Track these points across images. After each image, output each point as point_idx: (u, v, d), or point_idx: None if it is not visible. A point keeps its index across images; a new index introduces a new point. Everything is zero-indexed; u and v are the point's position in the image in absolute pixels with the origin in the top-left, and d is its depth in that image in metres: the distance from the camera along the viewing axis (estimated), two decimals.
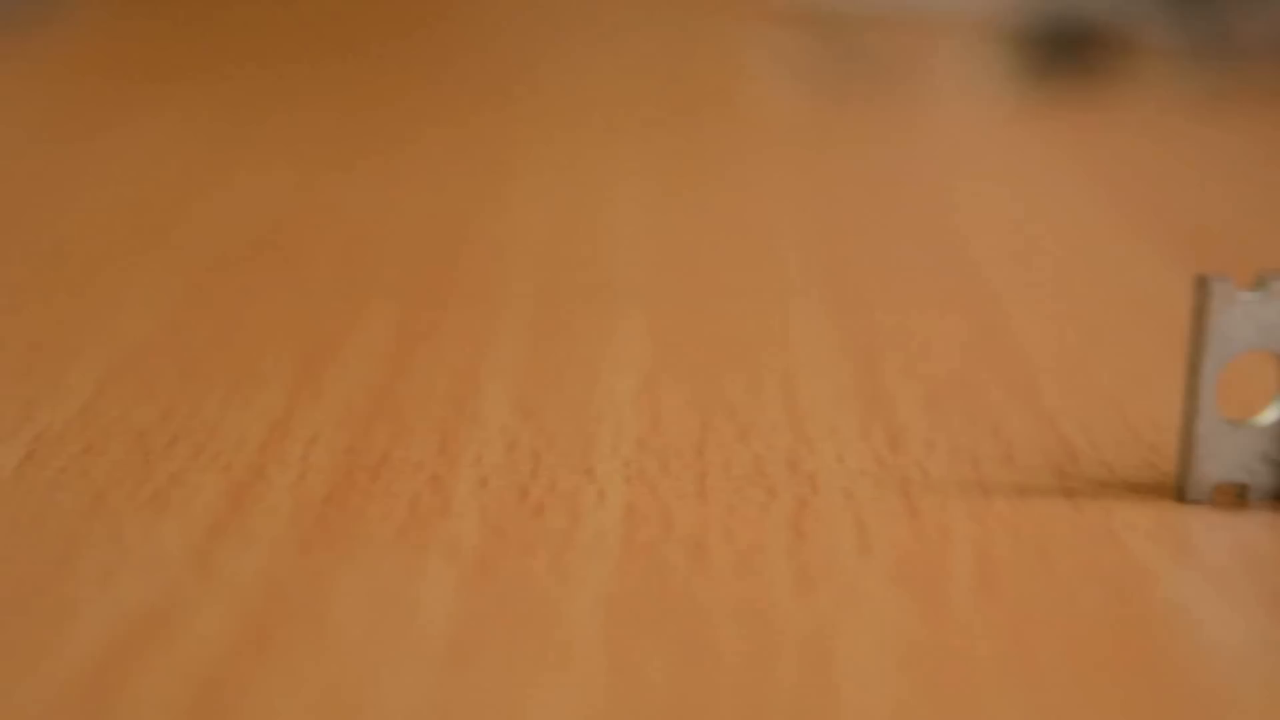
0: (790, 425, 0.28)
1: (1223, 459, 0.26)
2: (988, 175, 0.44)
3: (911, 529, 0.25)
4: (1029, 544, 0.24)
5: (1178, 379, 0.31)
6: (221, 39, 0.61)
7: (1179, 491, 0.26)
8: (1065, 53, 0.58)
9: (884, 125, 0.50)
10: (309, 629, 0.21)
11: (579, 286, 0.35)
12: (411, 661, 0.21)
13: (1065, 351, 0.32)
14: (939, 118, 0.51)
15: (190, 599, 0.22)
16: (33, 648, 0.20)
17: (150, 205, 0.39)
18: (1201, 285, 0.25)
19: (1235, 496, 0.26)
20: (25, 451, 0.26)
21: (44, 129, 0.46)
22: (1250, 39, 0.60)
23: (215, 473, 0.26)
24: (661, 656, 0.21)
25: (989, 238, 0.39)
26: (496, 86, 0.53)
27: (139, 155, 0.44)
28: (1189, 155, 0.47)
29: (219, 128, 0.47)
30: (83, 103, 0.50)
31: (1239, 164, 0.46)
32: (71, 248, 0.36)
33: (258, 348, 0.31)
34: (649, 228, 0.39)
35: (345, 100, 0.51)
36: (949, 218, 0.40)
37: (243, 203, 0.40)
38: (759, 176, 0.44)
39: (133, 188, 0.41)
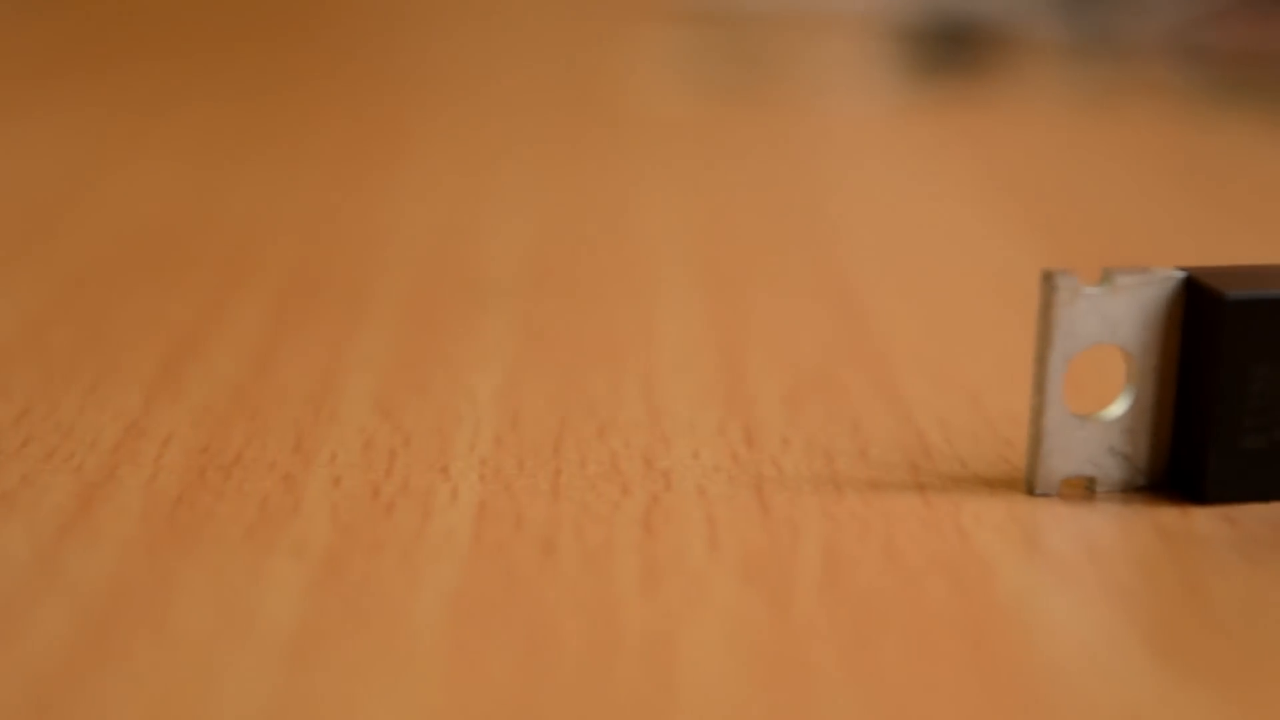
0: (649, 422, 0.28)
1: (1070, 453, 0.26)
2: (870, 172, 0.44)
3: (762, 525, 0.25)
4: (877, 539, 0.24)
5: None
6: (108, 35, 0.60)
7: (1028, 485, 0.26)
8: (951, 50, 0.59)
9: (769, 122, 0.50)
10: (150, 629, 0.21)
11: (449, 283, 0.35)
12: (252, 661, 0.21)
13: (929, 348, 0.32)
14: (824, 115, 0.51)
15: (33, 600, 0.22)
16: None
17: (30, 205, 0.39)
18: (1047, 280, 0.25)
19: (1083, 489, 0.26)
20: None
21: None
22: (1135, 36, 0.61)
23: (67, 474, 0.26)
24: (503, 654, 0.21)
25: (865, 234, 0.39)
26: (385, 83, 0.53)
27: (22, 154, 0.43)
28: (1073, 151, 0.47)
29: (103, 126, 0.47)
30: None
31: (1122, 160, 0.46)
32: None
33: (122, 347, 0.31)
34: (525, 225, 0.39)
35: (233, 97, 0.51)
36: (827, 214, 0.40)
37: (122, 201, 0.39)
38: (641, 174, 0.44)
39: (13, 187, 0.40)
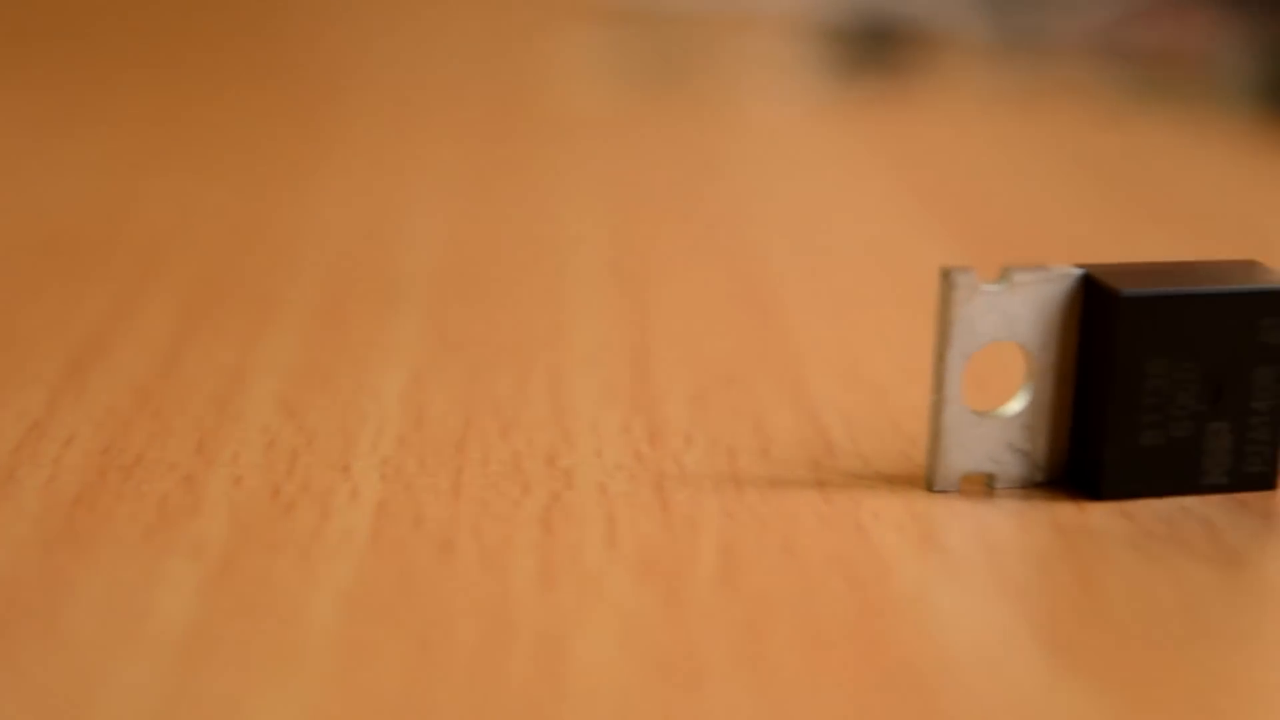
0: (554, 421, 0.28)
1: (969, 450, 0.26)
2: (790, 171, 0.45)
3: (661, 522, 0.25)
4: (775, 536, 0.24)
5: None
6: (21, 38, 0.60)
7: (928, 482, 0.26)
8: (874, 49, 0.59)
9: (690, 121, 0.50)
10: (40, 631, 0.21)
11: (361, 285, 0.35)
12: (142, 662, 0.21)
13: (838, 346, 0.32)
14: (746, 113, 0.51)
15: None
16: None
17: None
18: (945, 278, 0.25)
19: (983, 486, 0.26)
20: None
21: None
22: (1058, 36, 0.61)
23: None
24: (396, 653, 0.21)
25: (781, 233, 0.39)
26: (305, 85, 0.53)
27: None
28: (992, 151, 0.47)
29: (15, 129, 0.47)
30: None
31: (1040, 159, 0.46)
32: None
33: (28, 349, 0.31)
34: (440, 225, 0.39)
35: (150, 102, 0.51)
36: (744, 214, 0.40)
37: (35, 205, 0.39)
38: (559, 173, 0.44)
39: None
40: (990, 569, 0.24)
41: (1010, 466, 0.26)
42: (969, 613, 0.22)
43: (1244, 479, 0.26)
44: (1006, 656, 0.21)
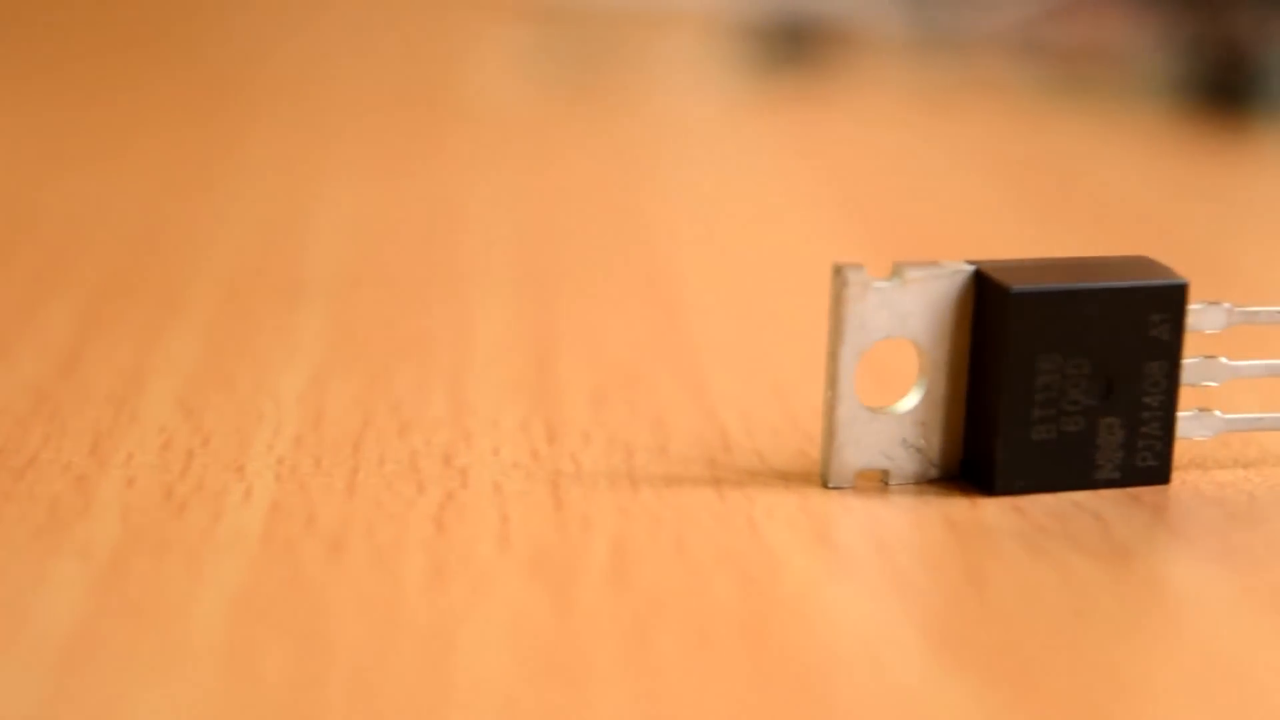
0: (453, 420, 0.28)
1: (863, 446, 0.26)
2: (703, 169, 0.45)
3: (554, 521, 0.25)
4: (667, 534, 0.25)
5: None
6: None
7: (823, 479, 0.26)
8: (792, 46, 0.59)
9: (606, 119, 0.50)
10: None
11: (266, 284, 0.35)
12: (23, 666, 0.21)
13: (741, 344, 0.32)
14: (663, 111, 0.51)
15: None
16: None
17: None
18: (837, 274, 0.25)
19: (878, 482, 0.26)
20: None
21: None
22: (978, 33, 0.61)
23: None
24: (281, 653, 0.21)
25: (692, 231, 0.39)
26: (217, 81, 0.53)
27: None
28: (909, 149, 0.47)
29: None
30: None
31: (957, 157, 0.47)
32: None
33: None
34: (350, 224, 0.39)
35: (54, 100, 0.50)
36: (656, 211, 0.41)
37: None
38: (472, 171, 0.44)
39: None
40: (880, 565, 0.24)
41: (904, 463, 0.26)
42: (857, 609, 0.23)
43: (1137, 473, 0.26)
44: (892, 652, 0.21)
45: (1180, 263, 0.37)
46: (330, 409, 0.29)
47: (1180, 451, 0.28)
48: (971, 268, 0.26)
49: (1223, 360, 0.27)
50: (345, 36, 0.62)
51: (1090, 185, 0.44)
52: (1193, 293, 0.35)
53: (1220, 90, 0.52)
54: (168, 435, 0.27)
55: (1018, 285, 0.25)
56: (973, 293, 0.26)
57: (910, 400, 0.26)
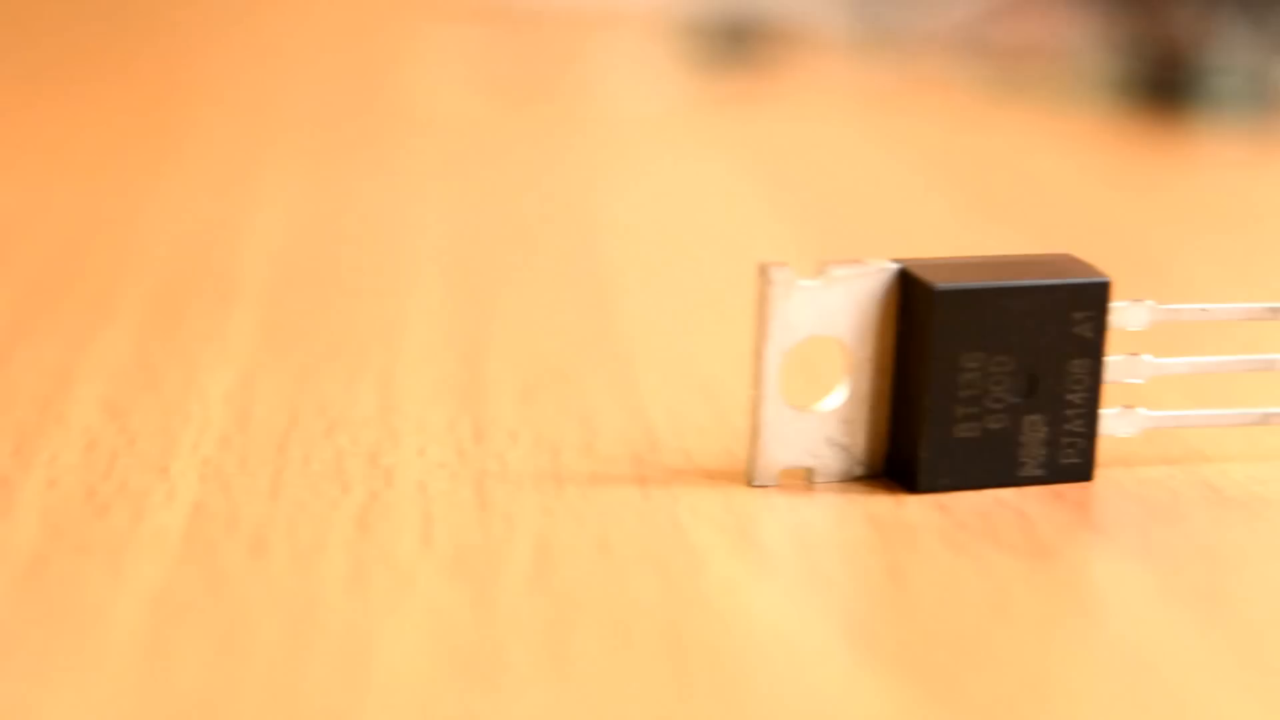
0: (380, 419, 0.28)
1: (788, 444, 0.26)
2: (644, 168, 0.45)
3: (478, 520, 0.25)
4: (590, 533, 0.24)
5: None
6: None
7: (748, 477, 0.26)
8: (736, 46, 0.59)
9: (548, 119, 0.50)
10: None
11: (198, 283, 0.34)
12: None
13: (673, 342, 0.32)
14: (605, 111, 0.51)
15: None
16: None
17: None
18: (762, 274, 0.25)
19: (803, 480, 0.26)
20: None
21: None
22: (921, 32, 0.62)
23: None
24: (197, 654, 0.21)
25: (629, 231, 0.39)
26: (158, 82, 0.53)
27: None
28: (852, 148, 0.47)
29: None
30: None
31: (900, 157, 0.47)
32: None
33: None
34: (284, 224, 0.39)
35: (1, 97, 0.50)
36: (594, 211, 0.41)
37: None
38: (411, 172, 0.44)
39: None
40: (802, 563, 0.24)
41: (829, 461, 0.26)
42: (777, 607, 0.23)
43: (1060, 471, 0.26)
44: (811, 650, 0.21)
45: (1117, 261, 0.38)
46: (258, 409, 0.29)
47: (1105, 449, 0.28)
48: (896, 266, 0.26)
49: (1146, 358, 0.27)
50: (286, 36, 0.62)
51: (1030, 184, 0.44)
52: (1127, 291, 0.35)
53: (1158, 89, 0.53)
54: (92, 436, 0.27)
55: (942, 283, 0.25)
56: (898, 291, 0.26)
57: (835, 399, 0.26)
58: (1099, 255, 0.38)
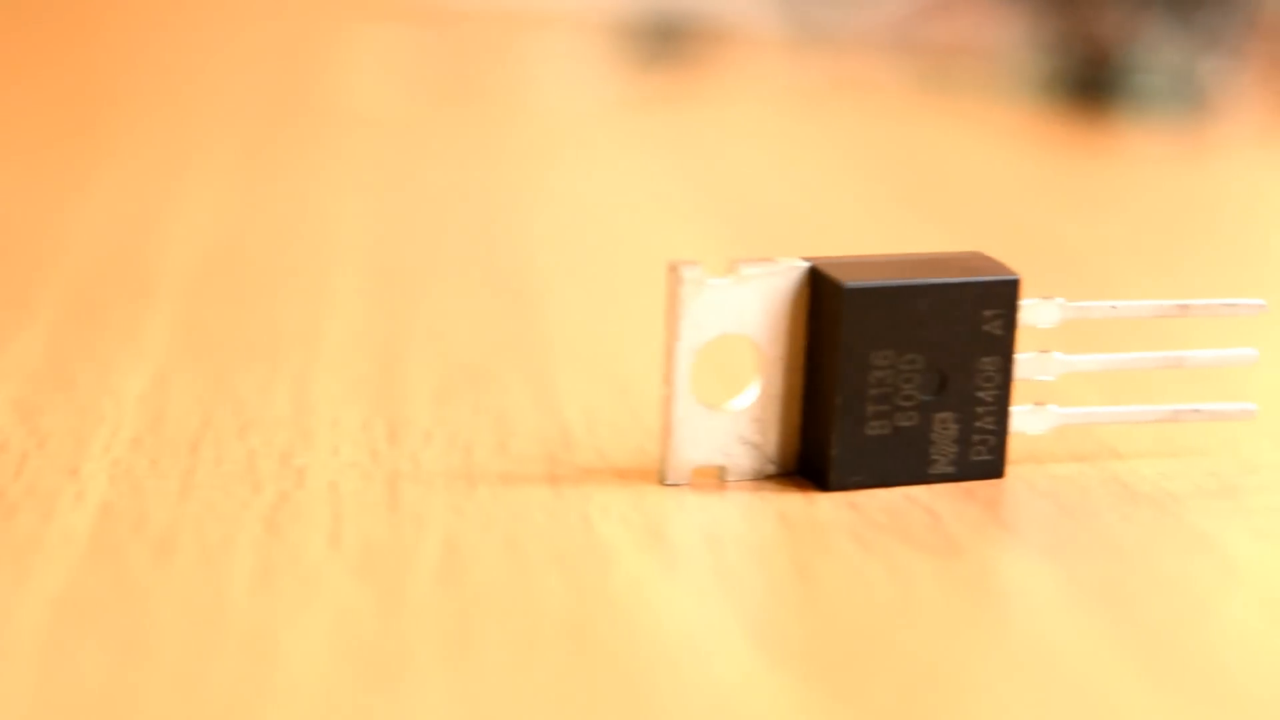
0: (294, 420, 0.28)
1: (700, 443, 0.26)
2: (571, 168, 0.45)
3: (387, 520, 0.25)
4: (500, 532, 0.24)
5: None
6: None
7: (660, 476, 0.26)
8: (666, 44, 0.59)
9: (478, 119, 0.50)
10: None
11: (118, 284, 0.34)
12: None
13: (592, 341, 0.32)
14: (534, 111, 0.51)
15: None
16: None
17: None
18: (672, 272, 0.25)
19: (715, 479, 0.26)
20: None
21: None
22: (852, 31, 0.62)
23: None
24: (101, 655, 0.21)
25: (553, 229, 0.39)
26: (83, 80, 0.53)
27: None
28: (780, 147, 0.47)
29: None
30: None
31: (828, 155, 0.47)
32: None
33: None
34: (208, 224, 0.39)
35: None
36: (520, 209, 0.40)
37: None
38: (337, 171, 0.44)
39: None
40: (711, 561, 0.24)
41: (741, 459, 0.26)
42: (684, 606, 0.23)
43: (972, 468, 0.27)
44: (716, 649, 0.22)
45: (1039, 258, 0.38)
46: (171, 410, 0.28)
47: (1017, 446, 0.28)
48: (807, 264, 0.26)
49: (1056, 355, 0.27)
50: (213, 35, 0.61)
51: (957, 182, 0.44)
52: (1049, 288, 0.36)
53: (1085, 87, 0.53)
54: (3, 437, 0.27)
55: (851, 281, 0.25)
56: (809, 290, 0.26)
57: (747, 397, 0.26)
58: (1021, 253, 0.38)
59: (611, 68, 0.57)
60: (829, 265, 0.26)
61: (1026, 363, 0.27)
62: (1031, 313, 0.27)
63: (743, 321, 0.26)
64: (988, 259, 0.27)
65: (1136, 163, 0.47)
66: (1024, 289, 0.35)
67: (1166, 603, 0.23)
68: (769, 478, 0.27)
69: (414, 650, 0.21)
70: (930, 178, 0.45)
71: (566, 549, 0.24)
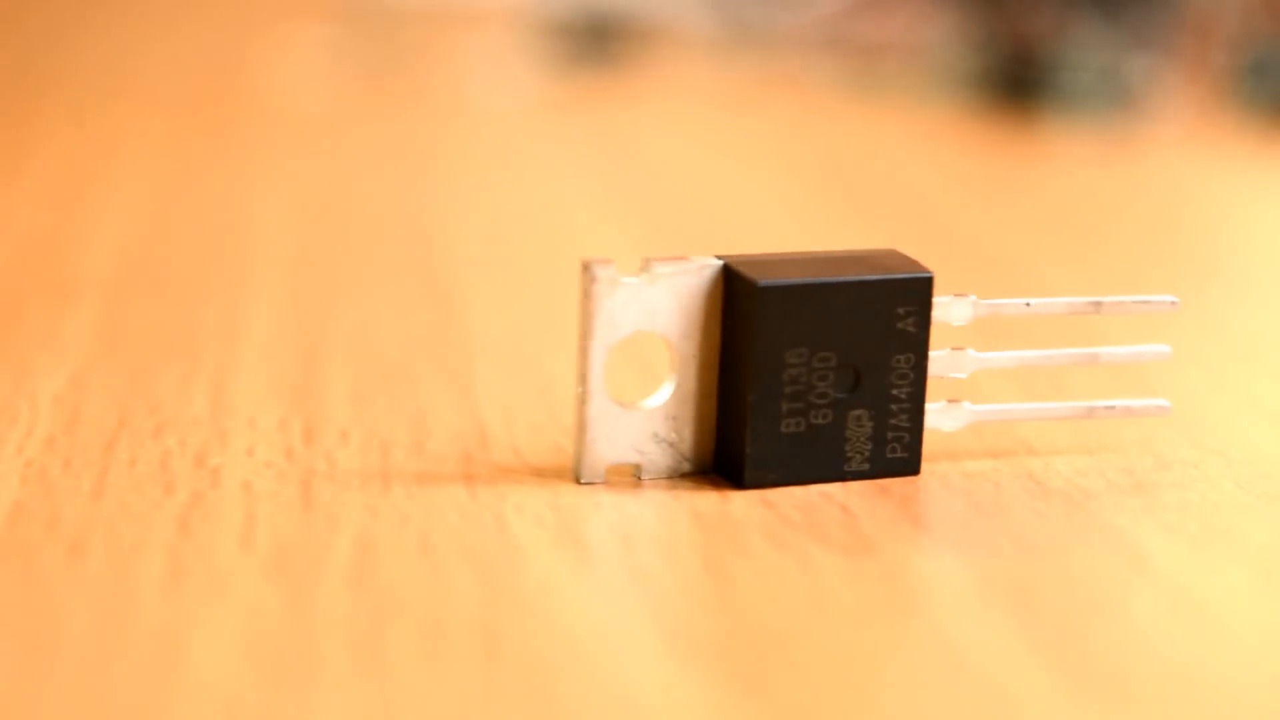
0: (210, 420, 0.28)
1: (615, 441, 0.26)
2: (500, 166, 0.45)
3: (301, 520, 0.25)
4: (413, 532, 0.24)
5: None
6: None
7: (575, 474, 0.26)
8: (598, 43, 0.59)
9: (407, 118, 0.50)
10: None
11: (38, 283, 0.34)
12: None
13: (513, 341, 0.32)
14: (462, 110, 0.51)
15: None
16: None
17: None
18: (585, 271, 0.25)
19: (630, 477, 0.26)
20: None
21: None
22: (783, 29, 0.62)
23: None
24: (6, 656, 0.21)
25: (476, 228, 0.39)
26: (5, 74, 0.52)
27: None
28: (708, 146, 0.47)
29: None
30: None
31: (757, 154, 0.47)
32: None
33: None
34: (130, 223, 0.38)
35: None
36: (444, 208, 0.40)
37: None
38: (263, 170, 0.43)
39: None
40: (624, 560, 0.24)
41: (656, 457, 0.26)
42: (596, 604, 0.23)
43: (887, 465, 0.27)
44: (626, 647, 0.22)
45: (963, 257, 0.38)
46: (87, 410, 0.28)
47: (934, 443, 0.28)
48: (720, 263, 0.26)
49: (970, 352, 0.27)
50: (139, 30, 0.61)
51: (884, 180, 0.44)
52: (971, 287, 0.36)
53: (1014, 85, 0.53)
54: None
55: (764, 279, 0.26)
56: (721, 287, 0.26)
57: (661, 395, 0.26)
58: (942, 251, 0.38)
59: (541, 67, 0.57)
60: (742, 263, 0.26)
61: (940, 360, 0.27)
62: (945, 310, 0.27)
63: (656, 320, 0.26)
64: (902, 256, 0.27)
65: (1062, 161, 0.47)
66: (942, 287, 0.36)
67: (1075, 599, 0.23)
68: (684, 476, 0.27)
69: (322, 650, 0.21)
70: (856, 176, 0.45)
71: (480, 548, 0.24)
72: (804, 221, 0.40)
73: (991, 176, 0.45)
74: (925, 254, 0.38)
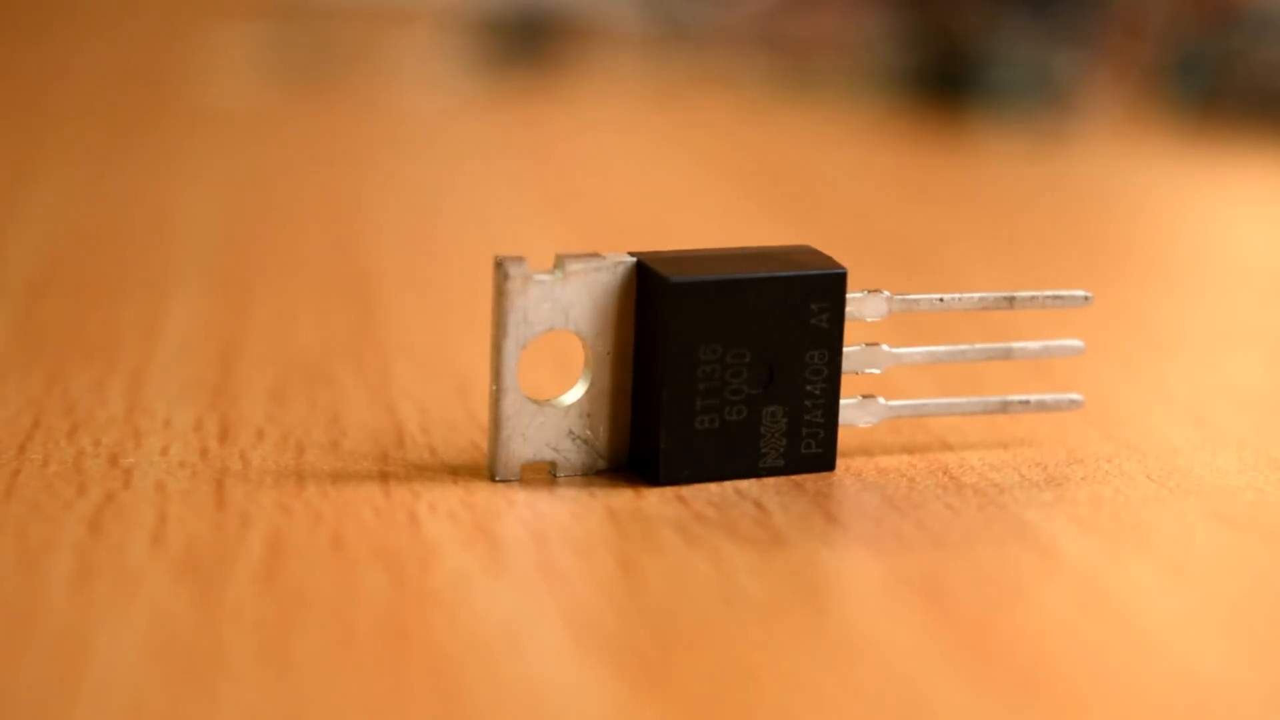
0: (125, 419, 0.28)
1: (529, 438, 0.26)
2: (427, 165, 0.45)
3: (212, 520, 0.25)
4: (325, 531, 0.24)
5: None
6: None
7: (490, 472, 0.26)
8: (528, 41, 0.59)
9: (336, 116, 0.50)
10: None
11: None
12: None
13: (432, 340, 0.32)
14: (391, 108, 0.51)
15: None
16: None
17: None
18: (498, 268, 0.25)
19: (545, 474, 0.26)
20: None
21: None
22: (713, 27, 0.62)
23: None
24: None
25: (402, 226, 0.39)
26: None
27: None
28: (636, 144, 0.47)
29: None
30: None
31: (685, 152, 0.47)
32: None
33: None
34: (51, 221, 0.38)
35: None
36: (370, 207, 0.40)
37: None
38: (188, 170, 0.43)
39: None
40: (535, 557, 0.24)
41: (571, 454, 0.26)
42: (505, 601, 0.23)
43: (802, 461, 0.27)
44: (533, 644, 0.22)
45: (886, 253, 0.38)
46: (1, 410, 0.28)
47: (850, 438, 0.28)
48: (632, 259, 0.26)
49: (884, 347, 0.27)
50: (65, 27, 0.61)
51: (812, 177, 0.44)
52: (891, 284, 0.36)
53: (943, 81, 0.53)
54: None
55: (677, 276, 0.26)
56: (634, 284, 0.26)
57: (575, 392, 0.26)
58: (864, 247, 0.38)
59: (471, 64, 0.57)
60: (655, 260, 0.26)
61: (854, 355, 0.27)
62: (859, 306, 0.27)
63: (570, 317, 0.26)
64: (816, 252, 0.27)
65: (990, 157, 0.47)
66: (863, 283, 0.36)
67: (984, 593, 0.23)
68: (600, 473, 0.27)
69: (229, 649, 0.21)
70: (783, 173, 0.45)
71: (392, 546, 0.24)
72: (729, 219, 0.40)
73: (919, 173, 0.45)
74: (847, 250, 0.38)
